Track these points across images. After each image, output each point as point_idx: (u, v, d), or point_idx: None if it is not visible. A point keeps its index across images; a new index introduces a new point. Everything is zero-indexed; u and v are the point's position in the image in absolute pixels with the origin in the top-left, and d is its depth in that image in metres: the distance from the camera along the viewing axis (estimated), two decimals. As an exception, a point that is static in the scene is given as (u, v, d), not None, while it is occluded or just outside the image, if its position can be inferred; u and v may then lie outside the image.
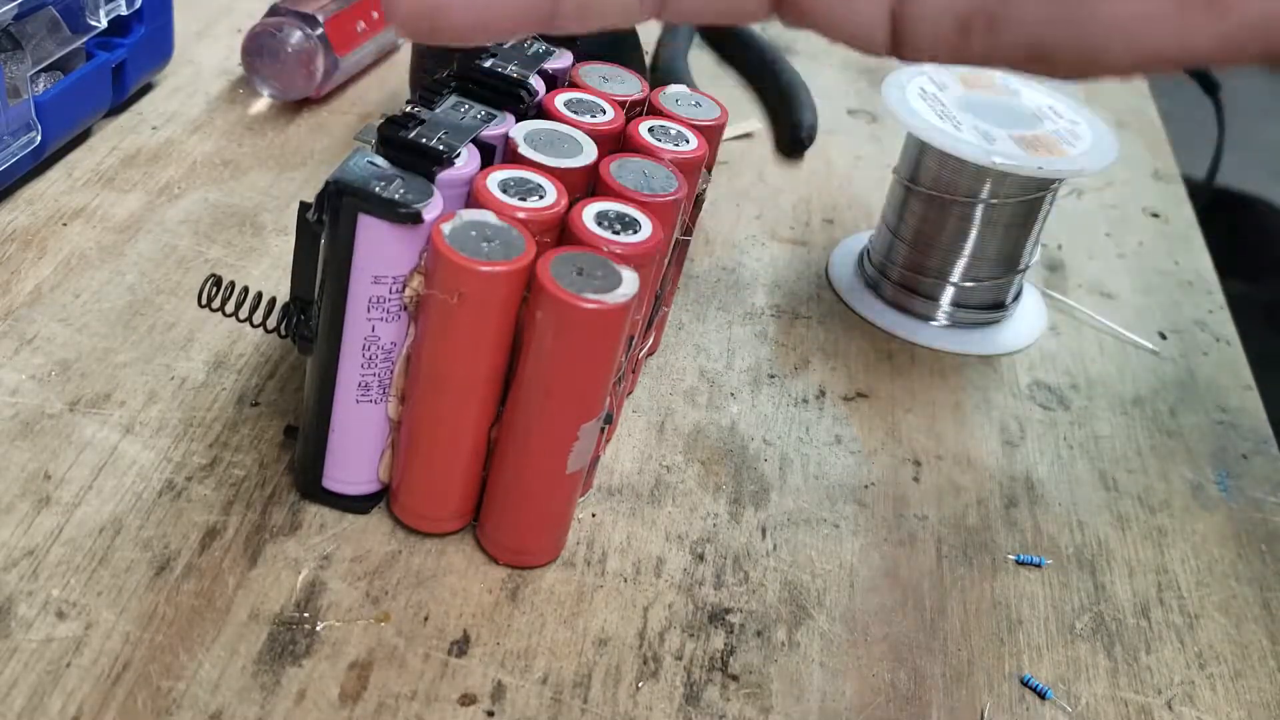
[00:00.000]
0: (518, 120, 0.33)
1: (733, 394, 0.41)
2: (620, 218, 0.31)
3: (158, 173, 0.46)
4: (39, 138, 0.43)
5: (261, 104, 0.52)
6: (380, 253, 0.29)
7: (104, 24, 0.45)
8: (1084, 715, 0.33)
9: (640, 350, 0.39)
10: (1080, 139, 0.45)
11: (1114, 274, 0.53)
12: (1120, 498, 0.40)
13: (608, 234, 0.30)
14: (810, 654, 0.33)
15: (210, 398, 0.36)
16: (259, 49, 0.51)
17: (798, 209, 0.53)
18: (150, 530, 0.32)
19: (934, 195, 0.45)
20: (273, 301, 0.33)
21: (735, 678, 0.32)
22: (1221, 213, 0.87)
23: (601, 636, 0.32)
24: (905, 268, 0.47)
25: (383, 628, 0.31)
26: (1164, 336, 0.49)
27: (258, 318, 0.32)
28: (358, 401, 0.31)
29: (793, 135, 0.57)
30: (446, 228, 0.29)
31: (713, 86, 0.63)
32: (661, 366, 0.42)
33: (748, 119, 0.60)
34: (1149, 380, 0.47)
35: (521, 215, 0.30)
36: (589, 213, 0.31)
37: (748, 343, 0.44)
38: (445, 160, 0.30)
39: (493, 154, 0.32)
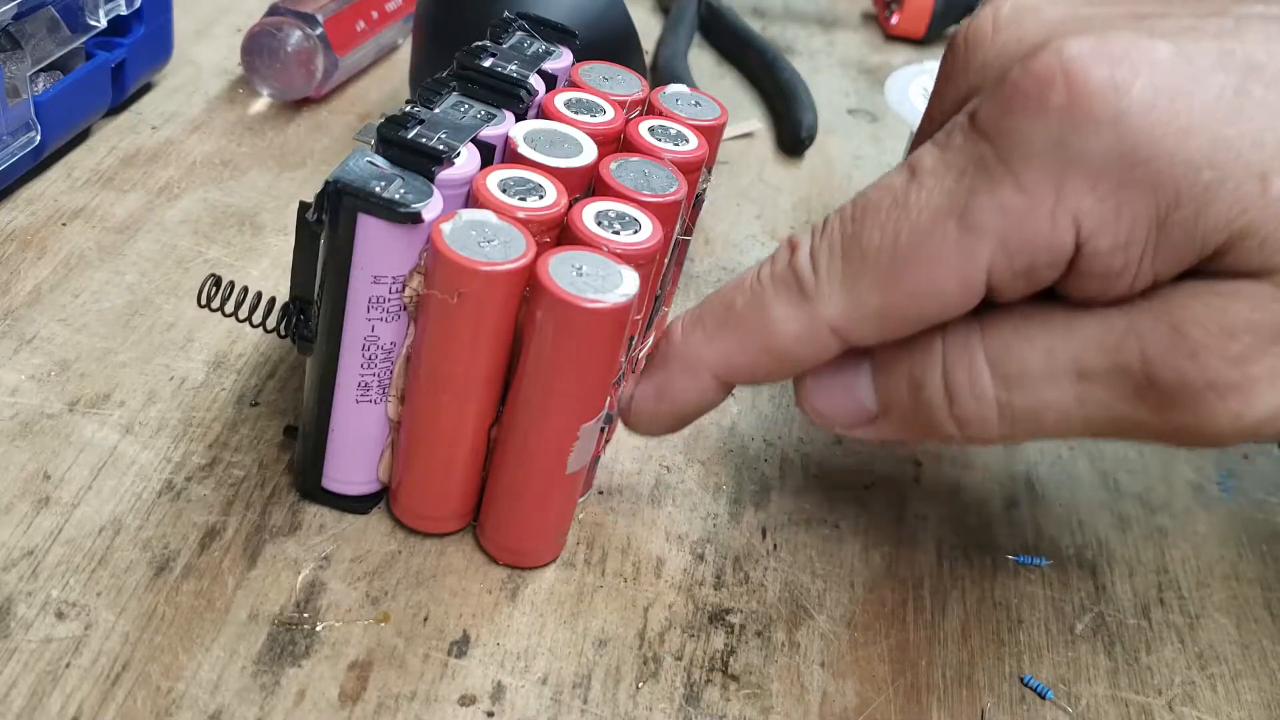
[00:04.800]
0: (517, 120, 0.33)
1: (733, 394, 0.41)
2: (620, 217, 0.31)
3: (157, 172, 0.46)
4: (38, 137, 0.43)
5: (261, 104, 0.52)
6: (380, 252, 0.29)
7: (103, 24, 0.45)
8: (1084, 715, 0.33)
9: (640, 350, 0.39)
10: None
11: (1115, 274, 0.53)
12: (1121, 498, 0.40)
13: (608, 234, 0.30)
14: (811, 654, 0.33)
15: (210, 398, 0.36)
16: (258, 48, 0.51)
17: (798, 209, 0.53)
18: (150, 530, 0.32)
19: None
20: (272, 301, 0.32)
21: (735, 678, 0.32)
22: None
23: (601, 637, 0.32)
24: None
25: (382, 628, 0.31)
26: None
27: (257, 318, 0.32)
28: (357, 402, 0.31)
29: (793, 135, 0.57)
30: (446, 227, 0.29)
31: (713, 86, 0.63)
32: (662, 366, 0.42)
33: (748, 119, 0.60)
34: (1150, 380, 0.46)
35: (521, 215, 0.30)
36: (589, 212, 0.31)
37: (748, 343, 0.44)
38: (445, 160, 0.30)
39: (492, 154, 0.32)
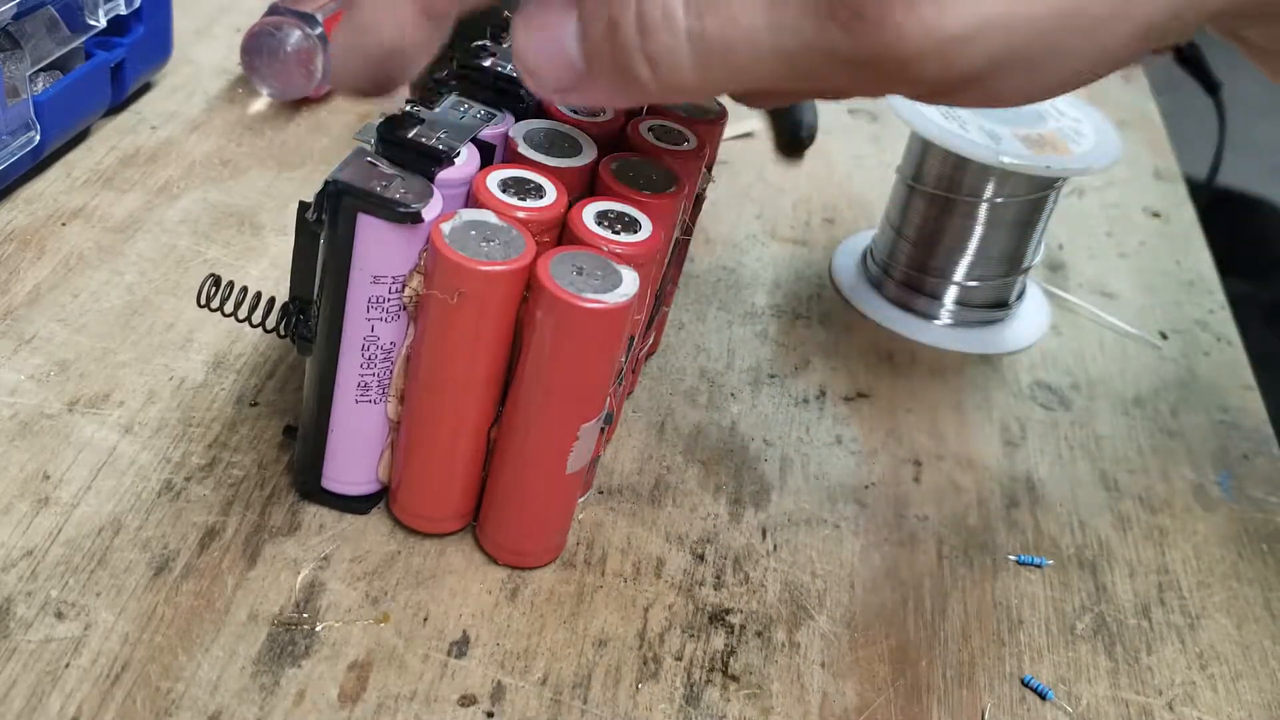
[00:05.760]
0: (517, 120, 0.33)
1: (733, 394, 0.41)
2: (620, 217, 0.31)
3: (156, 172, 0.46)
4: (38, 137, 0.43)
5: (260, 103, 0.52)
6: (380, 253, 0.29)
7: (103, 23, 0.45)
8: (1085, 716, 0.33)
9: (640, 350, 0.39)
10: (1084, 136, 0.45)
11: (1115, 274, 0.53)
12: (1121, 498, 0.40)
13: (608, 233, 0.30)
14: (811, 655, 0.33)
15: (209, 398, 0.36)
16: (258, 48, 0.50)
17: (798, 209, 0.53)
18: (149, 531, 0.32)
19: (938, 194, 0.45)
20: (272, 301, 0.32)
21: (735, 678, 0.32)
22: (1222, 212, 0.87)
23: (601, 637, 0.32)
24: (909, 267, 0.47)
25: (382, 628, 0.31)
26: (1165, 336, 0.49)
27: (257, 317, 0.32)
28: (357, 401, 0.31)
29: (793, 135, 0.57)
30: (446, 227, 0.29)
31: (713, 86, 0.63)
32: (661, 366, 0.42)
33: (748, 119, 0.59)
34: (1150, 380, 0.47)
35: (521, 215, 0.30)
36: (589, 212, 0.31)
37: (748, 343, 0.44)
38: (445, 160, 0.30)
39: (492, 153, 0.32)
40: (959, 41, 0.23)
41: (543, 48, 0.27)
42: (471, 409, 0.31)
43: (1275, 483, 0.42)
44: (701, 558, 0.35)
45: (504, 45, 0.36)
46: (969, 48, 0.23)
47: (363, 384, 0.31)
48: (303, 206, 0.29)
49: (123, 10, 0.46)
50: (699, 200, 0.38)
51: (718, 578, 0.34)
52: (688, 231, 0.38)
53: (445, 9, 0.27)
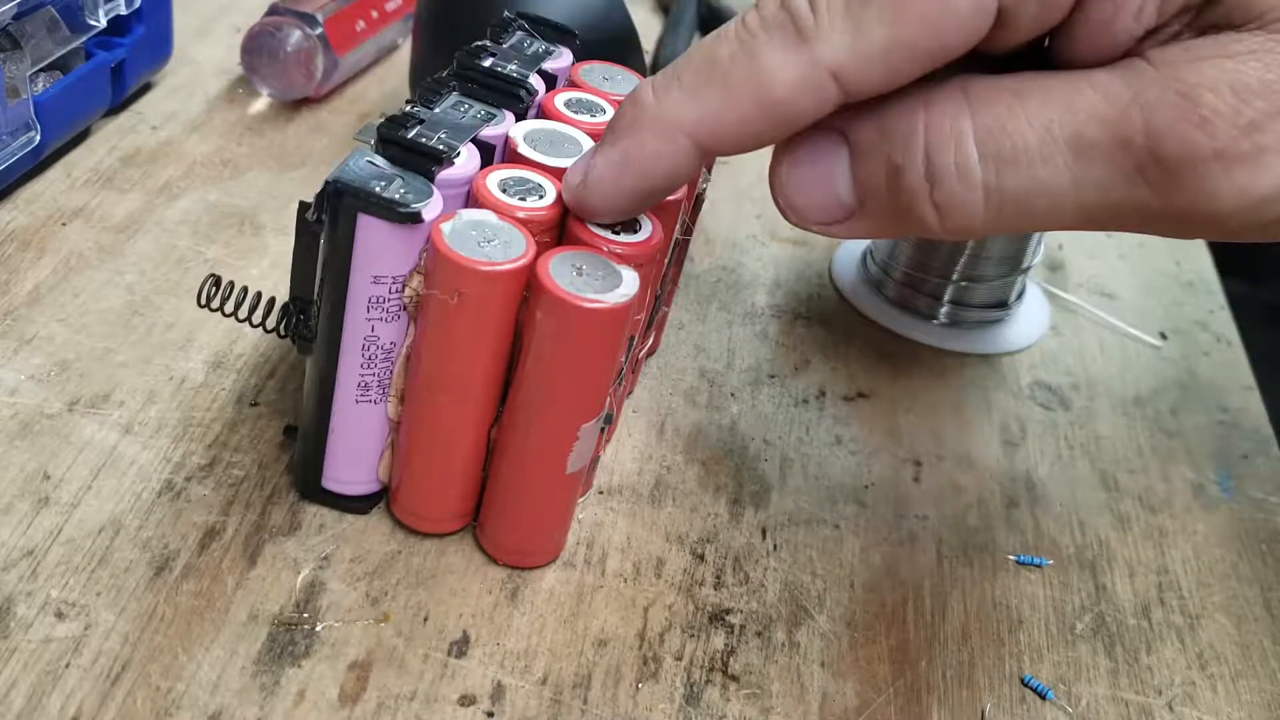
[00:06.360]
0: (517, 120, 0.33)
1: (733, 394, 0.41)
2: (620, 217, 0.31)
3: (157, 172, 0.46)
4: (38, 137, 0.43)
5: (261, 103, 0.52)
6: (380, 252, 0.29)
7: (103, 23, 0.45)
8: (1085, 716, 0.33)
9: (640, 350, 0.39)
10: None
11: (1115, 274, 0.53)
12: (1121, 498, 0.40)
13: (608, 234, 0.30)
14: (811, 654, 0.33)
15: (209, 398, 0.36)
16: (258, 48, 0.51)
17: (798, 209, 0.53)
18: (149, 530, 0.32)
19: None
20: (272, 301, 0.32)
21: (735, 678, 0.32)
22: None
23: (601, 637, 0.32)
24: (909, 267, 0.47)
25: (382, 628, 0.31)
26: (1165, 336, 0.49)
27: (257, 318, 0.32)
28: (357, 402, 0.31)
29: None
30: (446, 227, 0.29)
31: (713, 86, 0.62)
32: (661, 366, 0.42)
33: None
34: (1150, 380, 0.47)
35: (521, 215, 0.30)
36: (589, 212, 0.31)
37: (748, 343, 0.44)
38: (445, 160, 0.30)
39: (492, 154, 0.32)
40: (1270, 199, 0.23)
41: (808, 184, 0.27)
42: (471, 409, 0.31)
43: (1275, 483, 0.42)
44: (701, 557, 0.35)
45: (504, 45, 0.36)
46: (1277, 204, 0.24)
47: (363, 384, 0.31)
48: (303, 206, 0.29)
49: (123, 10, 0.46)
50: (699, 200, 0.38)
51: (718, 578, 0.34)
52: (688, 231, 0.38)
53: (724, 145, 0.27)
